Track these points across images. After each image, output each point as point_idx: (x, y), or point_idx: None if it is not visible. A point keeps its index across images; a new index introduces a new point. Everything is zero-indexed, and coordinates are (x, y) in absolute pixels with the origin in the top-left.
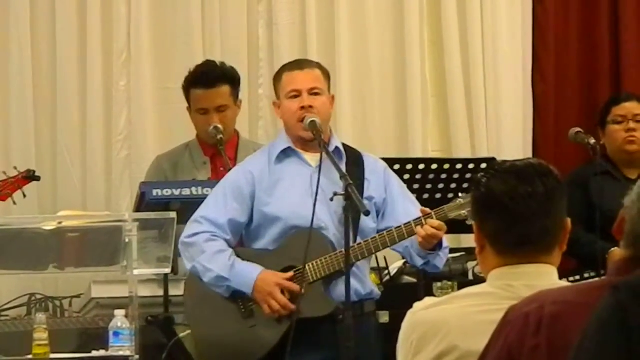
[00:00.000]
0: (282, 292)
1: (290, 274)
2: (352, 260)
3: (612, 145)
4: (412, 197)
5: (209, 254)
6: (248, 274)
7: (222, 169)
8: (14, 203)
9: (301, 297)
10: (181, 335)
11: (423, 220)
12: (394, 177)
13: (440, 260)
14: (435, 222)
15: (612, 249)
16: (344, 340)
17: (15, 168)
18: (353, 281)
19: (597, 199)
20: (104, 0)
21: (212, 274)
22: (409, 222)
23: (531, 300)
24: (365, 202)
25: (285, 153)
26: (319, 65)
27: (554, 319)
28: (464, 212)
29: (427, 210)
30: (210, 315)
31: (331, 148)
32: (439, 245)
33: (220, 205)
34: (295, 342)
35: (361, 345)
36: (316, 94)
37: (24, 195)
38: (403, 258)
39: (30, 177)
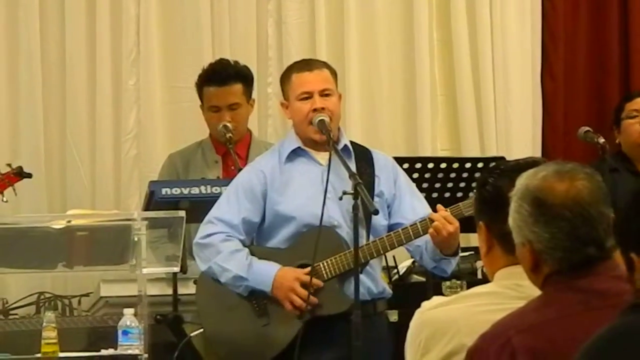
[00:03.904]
0: (302, 286)
1: (308, 269)
2: (367, 258)
3: (627, 140)
4: (420, 194)
5: (225, 254)
6: (266, 272)
7: (232, 167)
8: (5, 200)
9: (321, 287)
10: (192, 334)
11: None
12: (402, 174)
13: (450, 265)
14: (446, 213)
15: None
16: (355, 339)
17: (9, 165)
18: (366, 280)
19: (611, 196)
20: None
21: (230, 274)
22: (424, 220)
23: (493, 336)
24: (376, 198)
25: (296, 152)
26: (326, 65)
27: (528, 348)
28: None
29: (443, 208)
30: (223, 313)
31: (340, 147)
32: (455, 252)
33: (233, 205)
34: (310, 340)
35: (374, 345)
36: (327, 95)
37: (15, 193)
38: (412, 257)
39: (21, 173)
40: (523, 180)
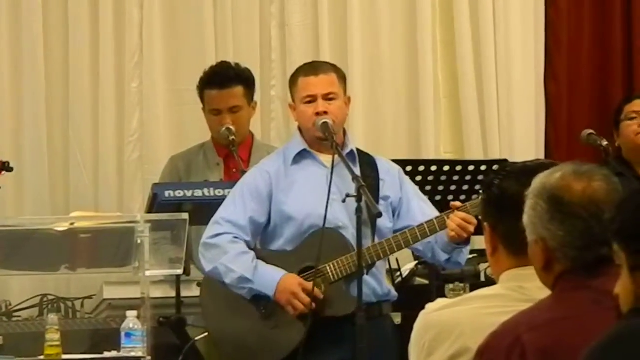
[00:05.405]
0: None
1: (311, 284)
2: (374, 259)
3: (625, 142)
4: (426, 199)
5: (232, 255)
6: (271, 277)
7: (234, 170)
8: None
9: (321, 298)
10: (197, 338)
11: (445, 217)
12: (408, 180)
13: (463, 256)
14: (463, 214)
15: None
16: (359, 341)
17: None
18: (372, 281)
19: None
20: (116, 2)
21: (235, 275)
22: (431, 220)
23: (504, 334)
24: (382, 202)
25: (301, 155)
26: (334, 69)
27: (538, 346)
28: None
29: (460, 204)
30: (229, 315)
31: (346, 151)
32: (466, 240)
33: (239, 206)
34: (315, 342)
35: (379, 347)
36: (331, 99)
37: None
38: (419, 257)
39: (5, 168)
40: (540, 179)
